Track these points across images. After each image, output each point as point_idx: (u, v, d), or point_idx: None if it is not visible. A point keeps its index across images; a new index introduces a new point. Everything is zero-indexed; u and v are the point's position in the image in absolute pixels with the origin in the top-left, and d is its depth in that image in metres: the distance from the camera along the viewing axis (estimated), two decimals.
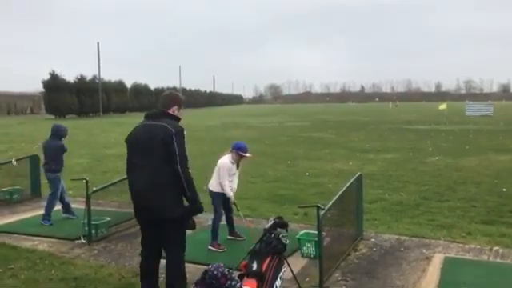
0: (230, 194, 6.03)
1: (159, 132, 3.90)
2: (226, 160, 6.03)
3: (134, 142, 4.07)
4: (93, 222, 6.42)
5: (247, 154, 6.06)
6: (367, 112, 58.47)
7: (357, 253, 5.83)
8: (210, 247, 5.96)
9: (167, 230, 4.01)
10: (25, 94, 70.23)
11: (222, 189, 5.98)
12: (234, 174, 6.14)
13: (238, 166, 6.16)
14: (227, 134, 25.15)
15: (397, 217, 7.53)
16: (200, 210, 4.06)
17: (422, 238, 6.37)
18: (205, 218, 6.23)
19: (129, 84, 72.53)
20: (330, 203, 5.08)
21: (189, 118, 46.52)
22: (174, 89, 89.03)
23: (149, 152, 3.92)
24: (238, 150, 6.00)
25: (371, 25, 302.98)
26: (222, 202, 6.11)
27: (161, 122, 3.98)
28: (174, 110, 4.16)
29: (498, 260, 5.57)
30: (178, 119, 4.15)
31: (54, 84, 54.67)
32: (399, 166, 12.76)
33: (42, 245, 6.34)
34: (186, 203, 4.04)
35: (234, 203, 6.18)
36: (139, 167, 3.98)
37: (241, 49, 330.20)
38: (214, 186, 6.06)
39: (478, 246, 6.02)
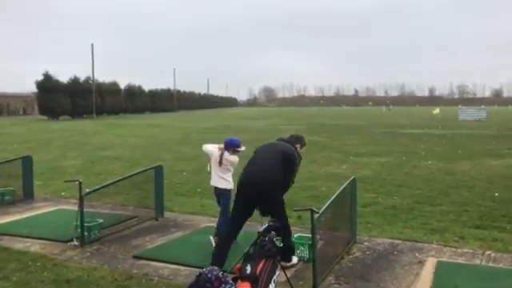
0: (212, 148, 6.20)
1: (288, 149, 5.36)
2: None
3: (263, 150, 5.43)
4: (86, 224, 6.38)
5: (241, 148, 6.16)
6: (361, 116, 58.66)
7: (350, 256, 5.84)
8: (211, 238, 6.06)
9: (271, 201, 5.23)
10: (18, 95, 69.84)
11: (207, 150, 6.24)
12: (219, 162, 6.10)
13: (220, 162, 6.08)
14: (222, 136, 25.11)
15: (390, 220, 7.55)
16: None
17: (415, 242, 6.39)
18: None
19: (123, 85, 72.40)
20: (324, 207, 5.09)
21: (183, 121, 46.55)
22: (169, 91, 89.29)
23: (274, 157, 5.24)
24: (228, 145, 6.09)
25: (365, 28, 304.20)
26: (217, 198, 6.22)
27: (291, 145, 5.48)
28: (297, 147, 5.58)
29: (491, 264, 5.60)
30: (299, 154, 5.57)
31: (48, 85, 54.34)
32: (392, 170, 12.81)
33: (34, 246, 6.29)
34: None
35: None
36: (262, 163, 5.20)
37: (235, 51, 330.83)
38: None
39: (471, 251, 6.05)
